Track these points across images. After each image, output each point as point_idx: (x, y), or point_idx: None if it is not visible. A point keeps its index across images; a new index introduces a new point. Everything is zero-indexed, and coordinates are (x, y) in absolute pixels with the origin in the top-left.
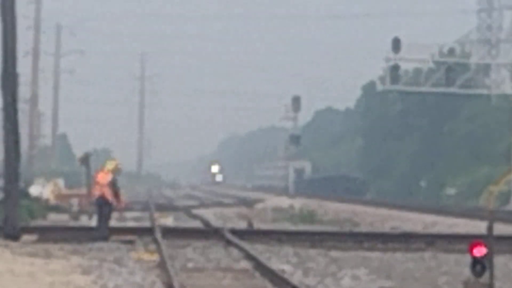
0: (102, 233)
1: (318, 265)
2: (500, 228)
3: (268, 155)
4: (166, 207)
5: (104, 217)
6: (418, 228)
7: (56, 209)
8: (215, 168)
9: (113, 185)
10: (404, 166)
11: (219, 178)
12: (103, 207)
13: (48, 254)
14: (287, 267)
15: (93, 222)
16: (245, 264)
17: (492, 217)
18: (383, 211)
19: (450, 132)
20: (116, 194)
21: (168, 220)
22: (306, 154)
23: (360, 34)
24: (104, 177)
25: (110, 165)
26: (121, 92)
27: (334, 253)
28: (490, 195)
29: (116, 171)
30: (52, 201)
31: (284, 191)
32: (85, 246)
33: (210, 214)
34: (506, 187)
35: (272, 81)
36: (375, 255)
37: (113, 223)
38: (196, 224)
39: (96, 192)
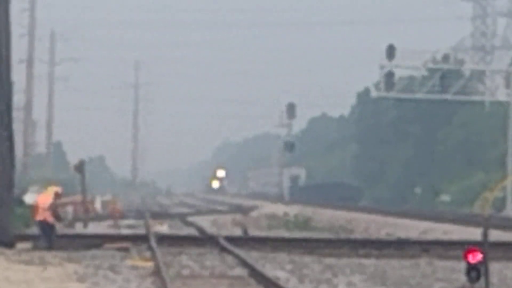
0: (44, 243)
1: (313, 272)
2: (495, 235)
3: (263, 162)
4: (161, 215)
5: (48, 237)
6: (413, 235)
7: None
8: (221, 173)
9: (54, 207)
10: (399, 172)
11: (226, 184)
12: (46, 229)
13: (43, 262)
14: (282, 274)
15: (88, 230)
16: (240, 271)
17: (487, 223)
18: (378, 218)
19: (445, 138)
20: (56, 215)
21: (163, 228)
22: (301, 161)
23: (354, 41)
24: (44, 200)
25: (52, 190)
26: (115, 100)
27: (329, 260)
28: (485, 201)
29: (57, 196)
30: None
31: (279, 198)
32: (80, 253)
33: (205, 222)
34: (500, 194)
35: (267, 88)
36: (370, 261)
37: (107, 230)
38: (191, 231)
39: (39, 216)
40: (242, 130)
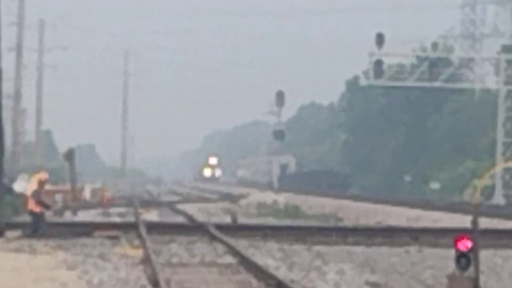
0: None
1: (302, 260)
2: (485, 222)
3: (253, 150)
4: (151, 203)
5: (33, 225)
6: (403, 223)
7: None
8: (213, 160)
9: (37, 195)
10: (388, 160)
11: (218, 173)
12: (33, 217)
13: (32, 250)
14: (271, 262)
15: (78, 218)
16: (229, 259)
17: (477, 211)
18: (368, 206)
19: (434, 126)
20: (40, 202)
21: (153, 216)
22: (290, 149)
23: (344, 29)
24: (29, 189)
25: (35, 177)
26: (104, 88)
27: (318, 248)
28: (475, 189)
29: (42, 182)
30: None
31: (268, 186)
32: (70, 241)
33: (194, 210)
34: (490, 181)
35: (256, 76)
36: (359, 249)
37: (97, 218)
38: (181, 219)
39: (27, 206)
40: (232, 118)
